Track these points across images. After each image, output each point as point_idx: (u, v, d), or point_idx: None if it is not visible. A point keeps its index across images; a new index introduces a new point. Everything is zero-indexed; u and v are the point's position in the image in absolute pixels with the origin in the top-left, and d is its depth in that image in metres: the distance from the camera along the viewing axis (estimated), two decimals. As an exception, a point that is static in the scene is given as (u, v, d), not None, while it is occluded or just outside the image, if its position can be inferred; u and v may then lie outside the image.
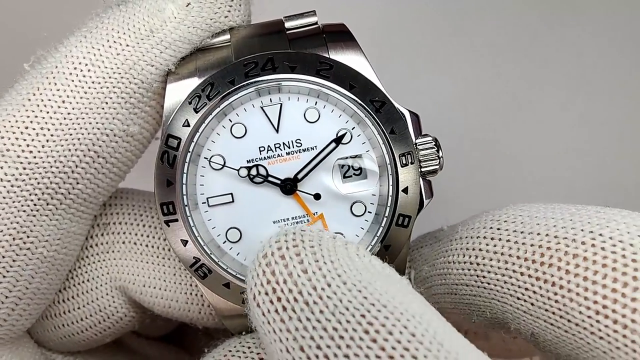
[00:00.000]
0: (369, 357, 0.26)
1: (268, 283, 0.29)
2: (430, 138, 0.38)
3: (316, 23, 0.39)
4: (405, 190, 0.38)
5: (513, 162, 0.66)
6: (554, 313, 0.33)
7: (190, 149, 0.37)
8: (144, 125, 0.38)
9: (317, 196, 0.38)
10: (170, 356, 0.52)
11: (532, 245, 0.34)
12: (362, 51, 0.38)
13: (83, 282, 0.42)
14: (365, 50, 0.38)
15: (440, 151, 0.38)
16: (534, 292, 0.33)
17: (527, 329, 0.35)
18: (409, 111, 0.38)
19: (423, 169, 0.38)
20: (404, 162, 0.38)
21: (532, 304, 0.34)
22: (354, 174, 0.38)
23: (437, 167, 0.38)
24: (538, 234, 0.34)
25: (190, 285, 0.41)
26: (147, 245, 0.41)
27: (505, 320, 0.36)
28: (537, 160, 0.66)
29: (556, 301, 0.32)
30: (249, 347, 0.37)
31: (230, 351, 0.37)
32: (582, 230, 0.33)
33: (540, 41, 0.66)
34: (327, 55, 0.38)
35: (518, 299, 0.34)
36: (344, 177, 0.38)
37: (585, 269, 0.31)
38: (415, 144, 0.38)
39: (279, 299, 0.29)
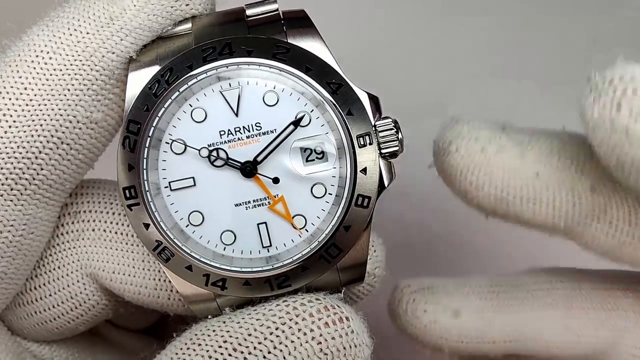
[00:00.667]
0: None
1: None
2: (390, 120, 0.39)
3: (277, 10, 0.40)
4: (364, 171, 0.38)
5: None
6: None
7: (151, 134, 0.37)
8: (108, 112, 0.39)
9: (275, 180, 0.38)
10: (149, 347, 0.52)
11: None
12: (320, 36, 0.39)
13: (54, 269, 0.42)
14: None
15: (399, 133, 0.39)
16: None
17: None
18: (367, 93, 0.39)
19: (383, 151, 0.39)
20: (362, 143, 0.38)
21: None
22: (317, 157, 0.39)
23: (397, 148, 0.39)
24: None
25: (159, 271, 0.42)
26: (116, 232, 0.42)
27: None
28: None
29: None
30: (214, 331, 0.37)
31: (195, 334, 0.37)
32: None
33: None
34: (285, 40, 0.38)
35: None
36: (307, 160, 0.39)
37: None
38: (375, 125, 0.38)
39: None
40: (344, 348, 0.35)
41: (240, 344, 0.35)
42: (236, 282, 0.38)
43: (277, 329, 0.36)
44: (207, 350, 0.35)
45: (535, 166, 0.40)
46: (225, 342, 0.36)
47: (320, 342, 0.35)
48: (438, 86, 0.67)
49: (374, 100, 0.39)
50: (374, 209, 0.38)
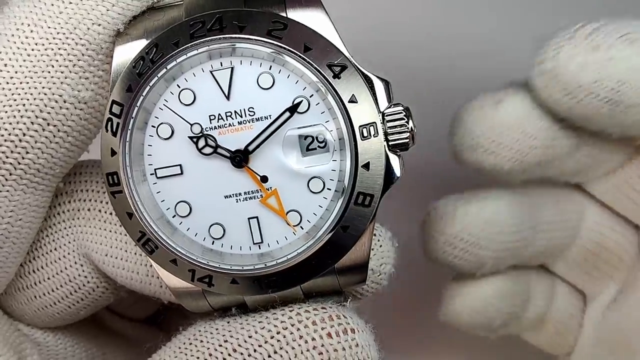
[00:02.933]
0: None
1: None
2: (401, 108, 0.34)
3: None
4: (366, 166, 0.34)
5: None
6: None
7: (134, 115, 0.34)
8: (97, 90, 0.36)
9: (264, 178, 0.34)
10: (154, 338, 0.51)
11: None
12: (324, 9, 0.34)
13: (50, 251, 0.41)
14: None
15: (411, 122, 0.34)
16: None
17: None
18: (378, 77, 0.34)
19: (391, 143, 0.34)
20: (365, 134, 0.33)
21: None
22: (319, 145, 0.35)
23: (407, 140, 0.34)
24: None
25: None
26: (111, 213, 0.40)
27: None
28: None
29: None
30: (217, 329, 0.35)
31: (199, 331, 0.36)
32: None
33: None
34: (285, 14, 0.34)
35: None
36: (307, 149, 0.35)
37: None
38: (383, 113, 0.34)
39: None
40: None
41: (240, 345, 0.34)
42: (223, 280, 0.35)
43: (278, 333, 0.34)
44: (208, 348, 0.34)
45: None
46: (225, 341, 0.34)
47: (322, 353, 0.33)
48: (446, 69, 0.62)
49: (384, 84, 0.34)
50: (377, 207, 0.34)
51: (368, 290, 0.39)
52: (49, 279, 0.41)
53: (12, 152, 0.35)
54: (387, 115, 0.34)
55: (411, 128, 0.34)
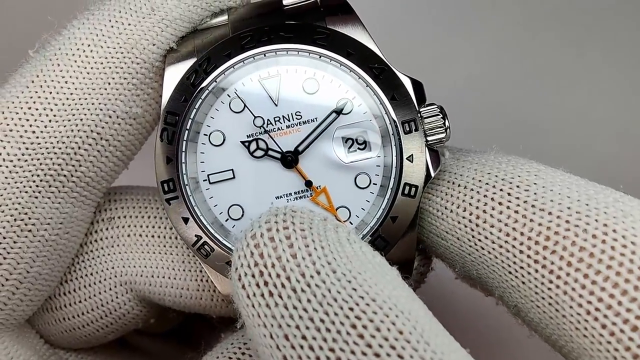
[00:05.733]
0: (355, 353, 0.25)
1: (255, 265, 0.28)
2: (436, 106, 0.37)
3: None
4: (410, 159, 0.36)
5: (541, 135, 0.64)
6: (543, 298, 0.31)
7: (188, 126, 0.36)
8: (146, 107, 0.38)
9: (308, 183, 0.37)
10: (175, 353, 0.50)
11: (540, 224, 0.31)
12: (361, 22, 0.38)
13: (86, 275, 0.41)
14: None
15: (446, 120, 0.37)
16: (529, 272, 0.32)
17: (512, 302, 0.33)
18: (411, 78, 0.37)
19: (429, 138, 0.37)
20: (407, 129, 0.36)
21: (523, 283, 0.32)
22: (359, 147, 0.37)
23: (444, 136, 0.37)
24: (550, 213, 0.32)
25: (200, 271, 0.40)
26: (152, 236, 0.41)
27: (490, 286, 0.34)
28: (565, 133, 0.64)
29: (549, 289, 0.31)
30: (239, 348, 0.35)
31: (222, 353, 0.35)
32: (596, 220, 0.30)
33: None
34: (325, 26, 0.37)
35: (510, 273, 0.32)
36: (349, 150, 0.37)
37: (588, 266, 0.30)
38: (420, 111, 0.37)
39: (265, 283, 0.28)
40: None
41: None
42: None
43: None
44: None
45: None
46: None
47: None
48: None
49: (417, 85, 0.37)
50: (420, 199, 0.36)
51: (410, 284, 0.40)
52: (81, 302, 0.41)
53: (67, 164, 0.37)
54: (423, 113, 0.37)
55: (448, 125, 0.37)
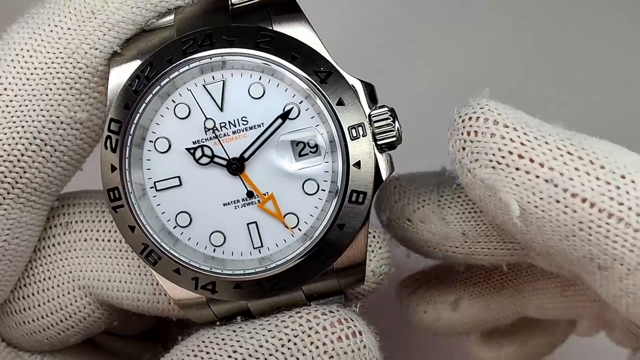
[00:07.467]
0: None
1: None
2: (386, 109, 0.36)
3: None
4: (358, 165, 0.35)
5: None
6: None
7: (132, 132, 0.36)
8: (92, 111, 0.38)
9: (249, 194, 0.36)
10: (149, 353, 0.51)
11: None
12: (308, 21, 0.36)
13: (43, 279, 0.41)
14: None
15: (396, 122, 0.36)
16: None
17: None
18: (361, 81, 0.36)
19: (379, 142, 0.36)
20: (354, 135, 0.35)
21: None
22: (310, 150, 0.36)
23: (394, 139, 0.36)
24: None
25: None
26: (109, 241, 0.40)
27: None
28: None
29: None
30: (223, 340, 0.35)
31: (203, 342, 0.35)
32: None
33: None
34: (271, 28, 0.36)
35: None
36: (299, 154, 0.36)
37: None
38: (369, 115, 0.36)
39: None
40: None
41: (250, 355, 0.34)
42: (226, 285, 0.36)
43: (289, 341, 0.34)
44: None
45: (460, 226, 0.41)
46: (235, 352, 0.34)
47: (333, 357, 0.34)
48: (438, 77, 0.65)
49: (368, 88, 0.36)
50: (371, 205, 0.36)
51: (369, 291, 0.40)
52: (39, 306, 0.41)
53: (10, 171, 0.36)
54: (373, 117, 0.36)
55: (397, 128, 0.36)
